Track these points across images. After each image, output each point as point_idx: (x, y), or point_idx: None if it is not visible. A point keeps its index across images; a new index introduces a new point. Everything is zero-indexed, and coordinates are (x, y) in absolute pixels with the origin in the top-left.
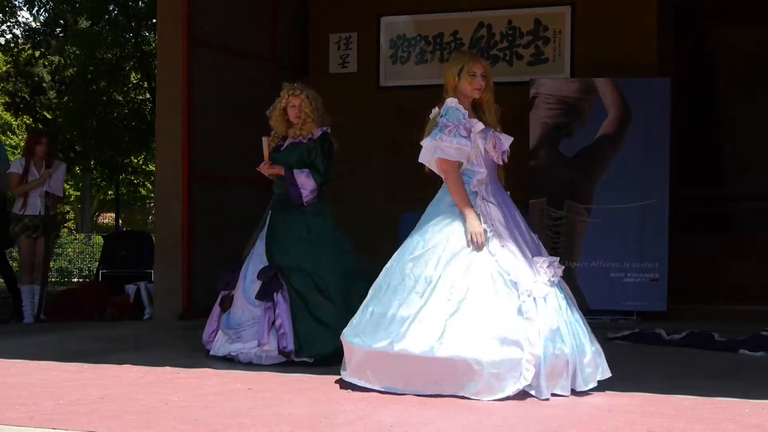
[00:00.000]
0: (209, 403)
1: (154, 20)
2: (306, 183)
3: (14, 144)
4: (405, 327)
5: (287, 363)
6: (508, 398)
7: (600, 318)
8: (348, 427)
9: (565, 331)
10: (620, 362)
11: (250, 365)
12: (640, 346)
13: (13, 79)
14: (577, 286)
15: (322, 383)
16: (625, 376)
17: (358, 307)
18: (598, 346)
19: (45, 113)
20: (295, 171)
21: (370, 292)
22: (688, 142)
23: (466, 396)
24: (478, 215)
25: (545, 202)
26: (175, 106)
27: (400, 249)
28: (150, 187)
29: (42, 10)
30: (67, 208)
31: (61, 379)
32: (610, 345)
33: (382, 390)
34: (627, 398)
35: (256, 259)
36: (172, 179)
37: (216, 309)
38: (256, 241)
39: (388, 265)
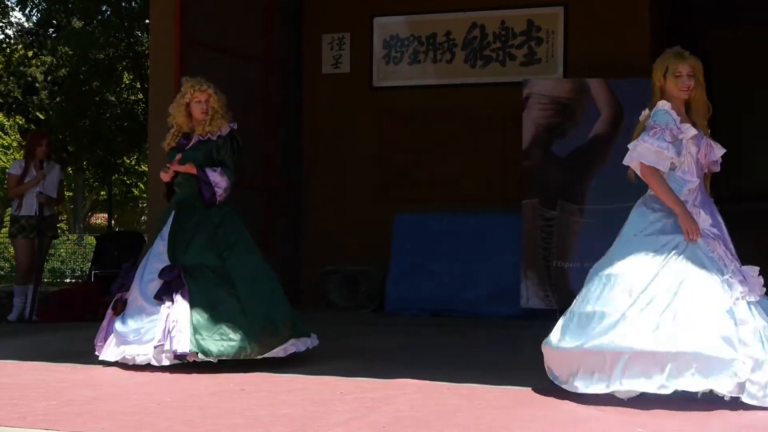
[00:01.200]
0: (203, 403)
1: (147, 20)
2: (220, 181)
3: (7, 144)
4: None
5: (192, 364)
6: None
7: None
8: (342, 427)
9: None
10: None
11: (238, 364)
12: None
13: (6, 80)
14: (569, 286)
15: (316, 383)
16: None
17: (263, 307)
18: None
19: (37, 113)
20: (208, 170)
21: (581, 297)
22: None
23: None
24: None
25: (538, 202)
26: (167, 105)
27: (609, 253)
28: (143, 187)
29: (35, 11)
30: (60, 208)
31: (54, 380)
32: None
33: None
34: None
35: (154, 258)
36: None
37: (108, 312)
38: (152, 241)
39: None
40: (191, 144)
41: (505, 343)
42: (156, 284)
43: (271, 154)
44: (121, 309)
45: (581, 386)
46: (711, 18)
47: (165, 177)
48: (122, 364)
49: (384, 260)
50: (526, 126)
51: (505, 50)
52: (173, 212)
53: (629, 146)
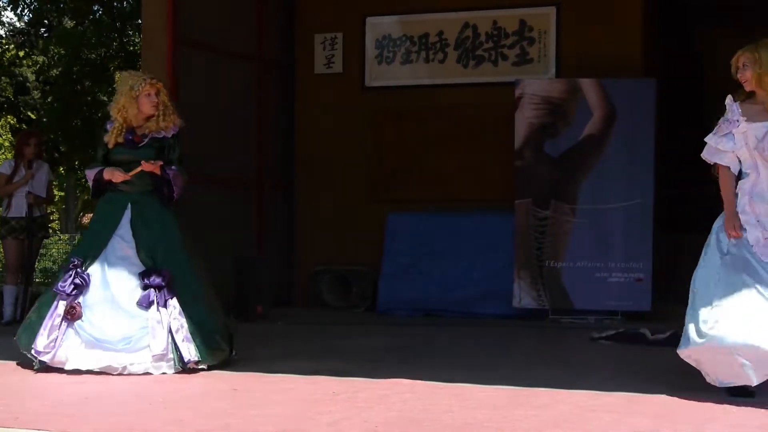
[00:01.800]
0: (194, 403)
1: (139, 20)
2: (178, 180)
3: None
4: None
5: (192, 371)
6: None
7: (584, 318)
8: (333, 427)
9: None
10: (605, 362)
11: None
12: (624, 345)
13: None
14: (562, 286)
15: (308, 383)
16: (609, 376)
17: (210, 308)
18: None
19: (29, 113)
20: (167, 168)
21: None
22: (673, 143)
23: None
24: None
25: (531, 202)
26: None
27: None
28: None
29: (26, 10)
30: (52, 208)
31: (45, 381)
32: (595, 345)
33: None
34: (611, 398)
35: (120, 261)
36: None
37: (55, 318)
38: (105, 241)
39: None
40: (145, 141)
41: (497, 342)
42: (131, 289)
43: (264, 154)
44: (78, 315)
45: None
46: (704, 18)
47: (121, 177)
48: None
49: (376, 260)
50: (518, 126)
51: (497, 50)
52: (127, 212)
53: None
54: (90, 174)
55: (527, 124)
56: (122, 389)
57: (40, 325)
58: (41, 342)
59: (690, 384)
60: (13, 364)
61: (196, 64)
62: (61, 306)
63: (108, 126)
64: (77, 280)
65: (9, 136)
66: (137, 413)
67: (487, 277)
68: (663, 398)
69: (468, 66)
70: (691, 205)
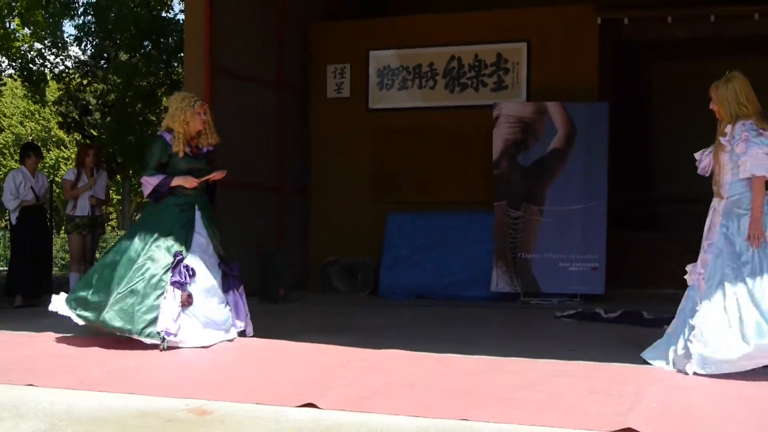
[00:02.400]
0: (228, 370)
1: (182, 54)
2: (217, 187)
3: (66, 156)
4: None
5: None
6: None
7: (550, 300)
8: (343, 388)
9: None
10: (566, 336)
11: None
12: (582, 322)
13: (65, 103)
14: (531, 273)
15: (321, 353)
16: (570, 347)
17: None
18: None
19: (92, 131)
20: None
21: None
22: (624, 155)
23: None
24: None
25: (506, 204)
26: None
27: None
28: None
29: (89, 46)
30: (110, 209)
31: (102, 351)
32: (558, 322)
33: None
34: (571, 365)
35: (204, 255)
36: None
37: (176, 305)
38: (190, 243)
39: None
40: (203, 153)
41: (478, 320)
42: (217, 276)
43: (284, 164)
44: (191, 302)
45: None
46: (648, 52)
47: (194, 183)
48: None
49: (378, 252)
50: (496, 141)
51: (478, 78)
52: (197, 212)
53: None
54: (153, 180)
55: (503, 139)
56: (169, 358)
57: (152, 311)
58: (171, 326)
59: (637, 354)
60: (77, 337)
61: (228, 89)
62: (178, 295)
63: (167, 137)
64: (188, 272)
65: (75, 149)
66: (179, 378)
67: (470, 267)
68: (614, 366)
69: (454, 92)
70: (638, 207)
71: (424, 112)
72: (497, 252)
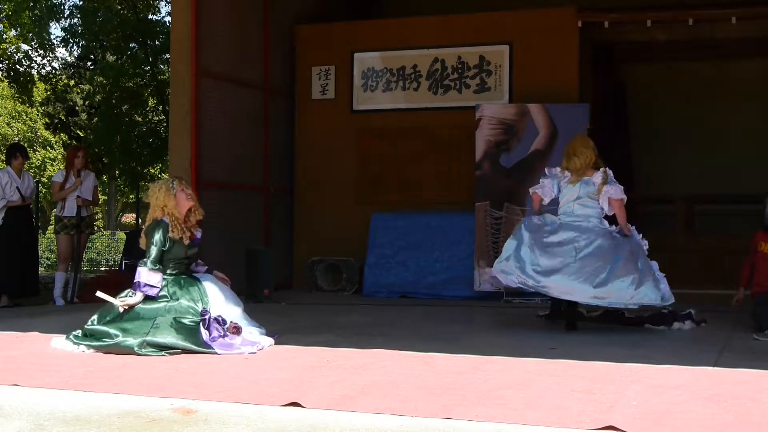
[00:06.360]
0: (213, 370)
1: (168, 55)
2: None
3: (53, 157)
4: None
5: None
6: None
7: (533, 299)
8: (327, 388)
9: None
10: (549, 334)
11: None
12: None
13: (53, 104)
14: None
15: (305, 353)
16: (552, 346)
17: None
18: None
19: (78, 132)
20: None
21: None
22: (603, 156)
23: None
24: None
25: (488, 204)
26: (184, 125)
27: None
28: None
29: (75, 47)
30: (96, 209)
31: (89, 354)
32: (540, 321)
33: None
34: (553, 364)
35: (221, 293)
36: None
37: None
38: (205, 293)
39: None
40: (198, 240)
41: (460, 319)
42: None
43: (270, 165)
44: (241, 329)
45: None
46: (626, 56)
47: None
48: None
49: (362, 251)
50: (478, 142)
51: (461, 80)
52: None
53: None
54: (153, 280)
55: (485, 140)
56: (155, 357)
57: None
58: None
59: (617, 353)
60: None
61: (214, 91)
62: (227, 338)
63: (167, 223)
64: (219, 322)
65: (62, 150)
66: (165, 377)
67: (452, 266)
68: (596, 364)
69: (437, 93)
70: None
71: (407, 114)
72: (479, 252)
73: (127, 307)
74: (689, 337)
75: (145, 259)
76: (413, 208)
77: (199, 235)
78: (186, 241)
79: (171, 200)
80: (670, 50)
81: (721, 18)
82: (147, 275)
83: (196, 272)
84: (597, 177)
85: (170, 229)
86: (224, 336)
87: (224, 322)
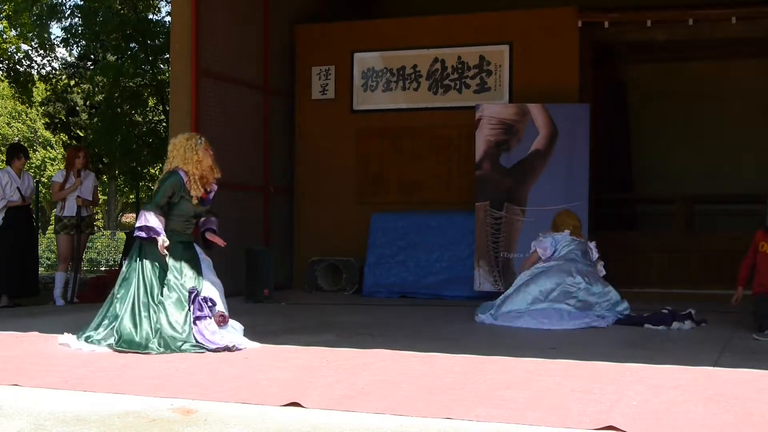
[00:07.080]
0: (213, 369)
1: (168, 55)
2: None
3: (53, 156)
4: None
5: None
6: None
7: None
8: (325, 388)
9: None
10: (548, 335)
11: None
12: None
13: (53, 104)
14: (513, 272)
15: (305, 352)
16: (552, 346)
17: None
18: None
19: (78, 131)
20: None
21: None
22: (604, 156)
23: None
24: None
25: (488, 204)
26: (184, 125)
27: None
28: None
29: (76, 47)
30: (96, 209)
31: (91, 349)
32: None
33: None
34: (553, 364)
35: (216, 280)
36: None
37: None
38: (200, 274)
39: None
40: (209, 199)
41: (461, 319)
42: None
43: (270, 165)
44: (227, 320)
45: None
46: (627, 55)
47: (163, 252)
48: None
49: (362, 251)
50: (478, 142)
51: (461, 80)
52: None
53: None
54: (154, 223)
55: (485, 140)
56: (154, 357)
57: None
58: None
59: (617, 353)
60: (66, 336)
61: (214, 91)
62: (212, 323)
63: (183, 176)
64: (208, 303)
65: (62, 150)
66: (165, 377)
67: (452, 266)
68: (596, 364)
69: (437, 93)
70: (619, 207)
71: (407, 114)
72: (479, 252)
73: (167, 252)
74: (689, 337)
75: (149, 203)
76: (413, 208)
77: (211, 195)
78: (195, 200)
79: (194, 155)
80: (670, 50)
81: (721, 18)
82: (147, 217)
83: (205, 228)
84: None
85: (186, 182)
86: (209, 317)
87: (214, 303)
